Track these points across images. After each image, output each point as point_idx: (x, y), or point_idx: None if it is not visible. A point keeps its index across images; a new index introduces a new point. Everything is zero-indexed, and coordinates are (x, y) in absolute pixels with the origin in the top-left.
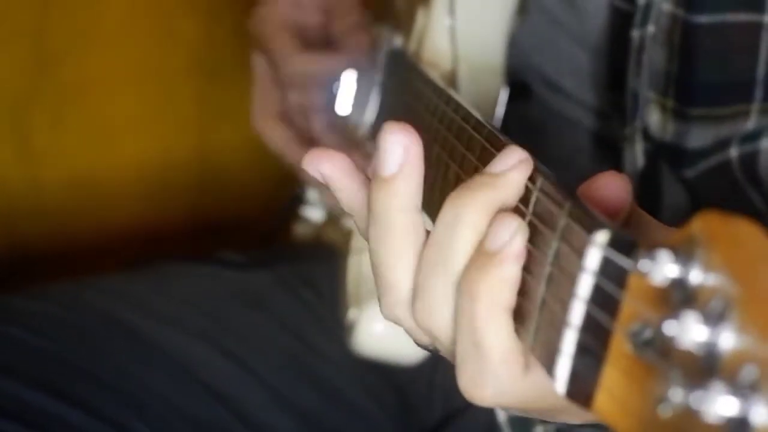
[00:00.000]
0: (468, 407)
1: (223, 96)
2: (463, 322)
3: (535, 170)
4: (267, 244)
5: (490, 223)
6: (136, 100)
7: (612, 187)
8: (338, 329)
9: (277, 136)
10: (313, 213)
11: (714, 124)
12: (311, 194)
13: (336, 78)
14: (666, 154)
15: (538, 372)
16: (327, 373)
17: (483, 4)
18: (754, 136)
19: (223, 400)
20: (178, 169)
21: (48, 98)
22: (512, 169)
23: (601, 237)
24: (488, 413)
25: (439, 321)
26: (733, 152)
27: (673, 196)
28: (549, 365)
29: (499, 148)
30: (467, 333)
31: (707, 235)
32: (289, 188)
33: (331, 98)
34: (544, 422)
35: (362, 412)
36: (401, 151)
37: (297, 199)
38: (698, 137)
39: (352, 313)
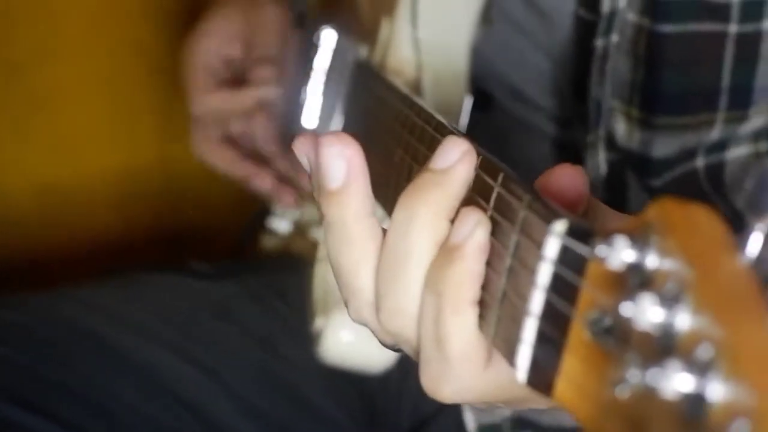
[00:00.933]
0: (436, 415)
1: (186, 106)
2: (427, 318)
3: (496, 167)
4: (236, 256)
5: (455, 219)
6: (99, 110)
7: (568, 179)
8: (306, 338)
9: (221, 158)
10: (280, 225)
11: (679, 133)
12: (278, 206)
13: (301, 91)
14: (632, 163)
15: (500, 365)
16: (296, 381)
17: (446, 13)
18: (720, 146)
19: (193, 409)
20: (142, 179)
21: (11, 109)
22: (457, 163)
23: (559, 226)
24: (457, 421)
25: (403, 320)
26: (700, 162)
27: (639, 205)
28: (510, 355)
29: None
30: (431, 330)
31: (663, 221)
32: (255, 199)
33: (298, 111)
34: (514, 429)
35: (331, 420)
36: (343, 162)
37: (263, 211)
38: (663, 146)
39: (319, 322)
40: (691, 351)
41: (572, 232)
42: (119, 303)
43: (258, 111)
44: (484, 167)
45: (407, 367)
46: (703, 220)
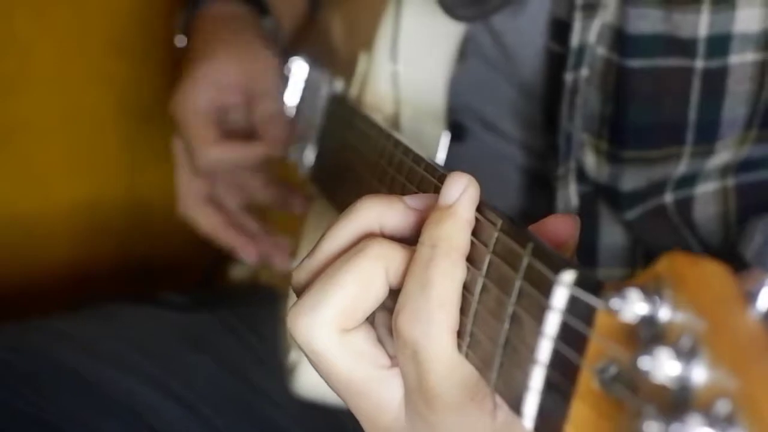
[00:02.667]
0: None
1: (153, 138)
2: (417, 265)
3: (494, 211)
4: (204, 287)
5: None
6: (66, 143)
7: (562, 227)
8: (280, 370)
9: (206, 222)
10: None
11: (646, 166)
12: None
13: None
14: (603, 196)
15: (461, 357)
16: (271, 413)
17: (425, 50)
18: (689, 181)
19: None
20: (108, 211)
21: None
22: (461, 197)
23: (568, 276)
24: None
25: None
26: (668, 197)
27: (611, 236)
28: (516, 402)
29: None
30: (418, 275)
31: (674, 274)
32: None
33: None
34: None
35: None
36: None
37: None
38: (631, 180)
39: (293, 356)
40: (710, 405)
41: (581, 283)
42: (93, 334)
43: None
44: (482, 211)
45: None
46: (714, 273)
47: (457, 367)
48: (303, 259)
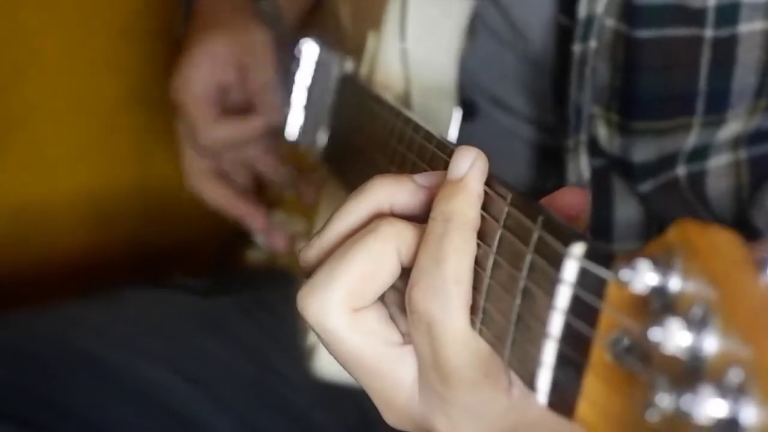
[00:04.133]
0: None
1: (163, 124)
2: (430, 241)
3: (504, 185)
4: (219, 270)
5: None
6: (76, 131)
7: (573, 199)
8: (298, 353)
9: (216, 195)
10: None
11: (656, 137)
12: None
13: (285, 103)
14: (617, 169)
15: (475, 334)
16: (290, 396)
17: (434, 27)
18: (701, 154)
19: (189, 425)
20: (119, 198)
21: None
22: (470, 170)
23: (578, 249)
24: None
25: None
26: (681, 171)
27: (626, 211)
28: (529, 378)
29: None
30: (432, 250)
31: (684, 243)
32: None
33: (281, 125)
34: None
35: None
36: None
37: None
38: (642, 151)
39: (311, 338)
40: (722, 375)
41: (591, 255)
42: (107, 319)
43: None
44: (492, 186)
45: None
46: (724, 241)
47: (471, 343)
48: (312, 239)
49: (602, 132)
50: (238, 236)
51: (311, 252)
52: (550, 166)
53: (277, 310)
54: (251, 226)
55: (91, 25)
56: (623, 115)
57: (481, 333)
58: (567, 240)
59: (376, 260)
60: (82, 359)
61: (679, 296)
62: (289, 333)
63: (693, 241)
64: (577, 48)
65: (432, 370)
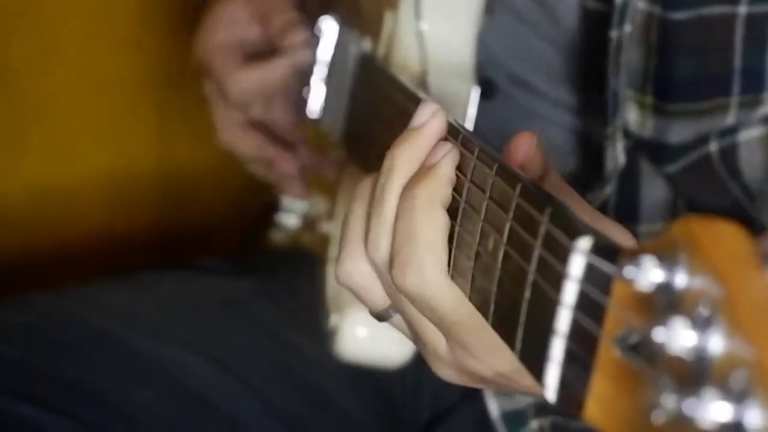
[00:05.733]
0: (457, 406)
1: (185, 106)
2: (402, 220)
3: (513, 175)
4: (243, 252)
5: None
6: (98, 113)
7: (523, 145)
8: (320, 334)
9: (247, 144)
10: (289, 220)
11: (694, 119)
12: (286, 200)
13: (305, 84)
14: (646, 151)
15: (457, 288)
16: (313, 378)
17: (450, 5)
18: (732, 129)
19: (211, 407)
20: (142, 180)
21: (9, 112)
22: (428, 121)
23: (584, 243)
24: (479, 411)
25: (384, 245)
26: (713, 146)
27: (653, 192)
28: (538, 373)
29: (471, 149)
30: (403, 228)
31: (689, 238)
32: (259, 196)
33: (301, 104)
34: (539, 415)
35: (350, 416)
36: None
37: (271, 206)
38: (678, 132)
39: (333, 319)
40: (727, 378)
41: (597, 250)
42: (129, 301)
43: (290, 81)
44: (501, 175)
45: (424, 360)
46: (729, 235)
47: (461, 298)
48: (371, 225)
49: (633, 115)
50: (263, 217)
51: (381, 239)
52: (580, 148)
53: (301, 292)
54: (284, 170)
55: (111, 9)
56: (659, 98)
57: (494, 326)
58: (574, 234)
59: (437, 219)
60: (104, 341)
61: (684, 293)
62: (312, 315)
63: (697, 235)
64: (614, 34)
65: (441, 329)
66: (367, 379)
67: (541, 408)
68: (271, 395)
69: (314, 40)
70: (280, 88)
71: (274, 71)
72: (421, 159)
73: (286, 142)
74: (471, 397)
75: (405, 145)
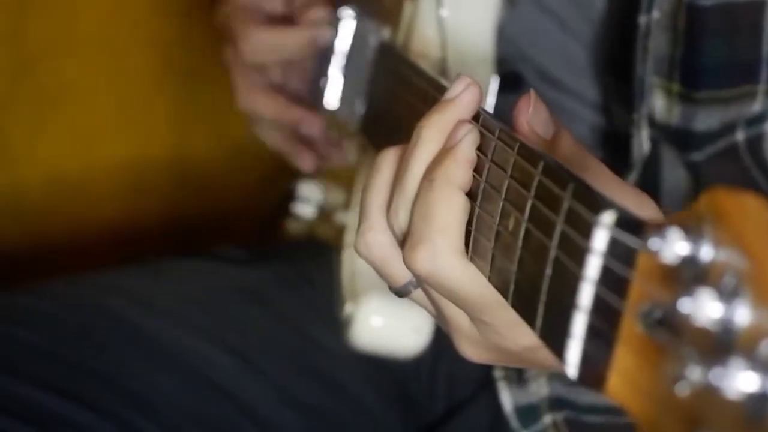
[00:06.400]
0: (472, 398)
1: (200, 96)
2: (419, 200)
3: (535, 154)
4: (260, 241)
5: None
6: (113, 102)
7: (525, 105)
8: (337, 324)
9: (267, 107)
10: (305, 210)
11: (721, 106)
12: (302, 190)
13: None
14: (671, 139)
15: (474, 268)
16: (329, 367)
17: None
18: (759, 118)
19: (228, 395)
20: (157, 170)
21: (25, 101)
22: (462, 92)
23: (608, 217)
24: (493, 404)
25: (402, 217)
26: (740, 135)
27: (674, 181)
28: (559, 349)
29: (492, 129)
30: (420, 210)
31: (715, 211)
32: (276, 186)
33: (318, 95)
34: (552, 409)
35: (365, 406)
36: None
37: (288, 196)
38: (705, 120)
39: (348, 308)
40: (754, 348)
41: (621, 224)
42: (147, 288)
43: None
44: (522, 154)
45: (439, 351)
46: (756, 207)
47: (477, 278)
48: (394, 195)
49: (659, 103)
50: (279, 207)
51: (401, 211)
52: (604, 142)
53: (317, 281)
54: (308, 131)
55: None
56: (686, 85)
57: (513, 306)
58: (597, 208)
59: (453, 202)
60: (122, 328)
61: (710, 266)
62: (328, 304)
63: (724, 208)
64: (642, 20)
65: (461, 308)
66: (383, 369)
67: (555, 402)
68: (288, 384)
69: (333, 31)
70: (296, 58)
71: (291, 38)
72: (450, 132)
73: (305, 105)
74: (485, 389)
75: (435, 116)
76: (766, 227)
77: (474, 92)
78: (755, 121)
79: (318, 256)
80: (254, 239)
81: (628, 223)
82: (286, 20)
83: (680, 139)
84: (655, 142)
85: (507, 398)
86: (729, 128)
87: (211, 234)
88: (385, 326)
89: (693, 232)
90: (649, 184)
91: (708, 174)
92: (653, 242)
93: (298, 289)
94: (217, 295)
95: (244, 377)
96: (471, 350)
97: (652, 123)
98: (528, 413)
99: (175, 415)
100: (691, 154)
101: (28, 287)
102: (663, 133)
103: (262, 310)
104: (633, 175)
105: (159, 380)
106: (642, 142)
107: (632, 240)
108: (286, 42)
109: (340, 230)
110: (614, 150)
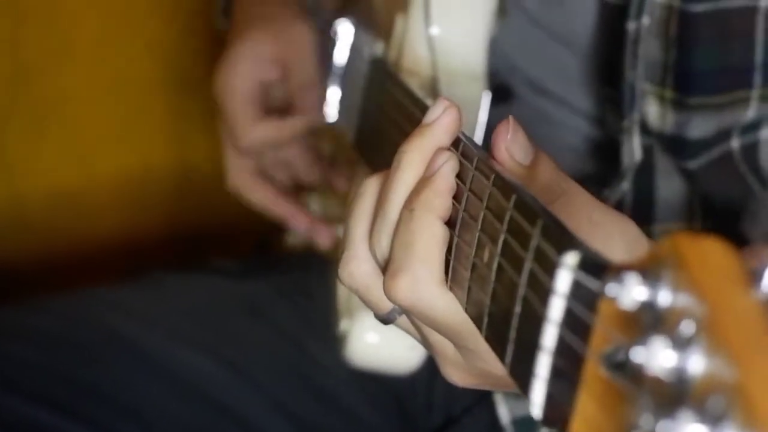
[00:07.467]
0: (469, 411)
1: (201, 106)
2: (400, 230)
3: (509, 186)
4: (258, 254)
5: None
6: (113, 112)
7: (504, 131)
8: (333, 338)
9: (258, 195)
10: None
11: (715, 112)
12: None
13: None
14: (666, 146)
15: (453, 297)
16: (326, 381)
17: (460, 9)
18: (754, 126)
19: (224, 410)
20: (157, 180)
21: (25, 112)
22: (441, 116)
23: (571, 259)
24: (490, 416)
25: (384, 244)
26: (735, 143)
27: (668, 190)
28: (525, 388)
29: (471, 158)
30: (402, 238)
31: (676, 255)
32: None
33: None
34: None
35: (361, 420)
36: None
37: None
38: (699, 127)
39: (344, 324)
40: (704, 400)
41: (584, 266)
42: (144, 303)
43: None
44: (498, 185)
45: (435, 365)
46: (717, 253)
47: (457, 306)
48: (376, 222)
49: (652, 110)
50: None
51: (383, 238)
52: (596, 151)
53: (314, 294)
54: (295, 227)
55: (128, 8)
56: (679, 91)
57: (486, 339)
58: (561, 248)
59: (433, 232)
60: (119, 343)
61: (668, 312)
62: (325, 318)
63: (683, 252)
64: (631, 26)
65: (445, 335)
66: (379, 383)
67: None
68: (285, 398)
69: (330, 43)
70: (291, 142)
71: (287, 130)
72: (430, 157)
73: (293, 195)
74: (482, 402)
75: (415, 142)
76: (724, 272)
77: (452, 114)
78: (750, 128)
79: (316, 269)
80: (253, 252)
81: (591, 266)
82: (282, 95)
83: (675, 146)
84: (649, 150)
85: (504, 410)
86: (724, 135)
87: (212, 246)
88: (381, 343)
89: (651, 277)
90: (643, 193)
91: (703, 182)
92: (611, 288)
93: (296, 302)
94: (214, 308)
95: (239, 390)
96: (457, 375)
97: (646, 130)
98: (525, 425)
99: (169, 428)
100: (686, 161)
101: (27, 302)
102: (657, 140)
103: (258, 322)
104: (626, 183)
105: (154, 393)
106: (633, 149)
107: (594, 283)
108: (284, 135)
109: (339, 244)
110: (608, 160)
